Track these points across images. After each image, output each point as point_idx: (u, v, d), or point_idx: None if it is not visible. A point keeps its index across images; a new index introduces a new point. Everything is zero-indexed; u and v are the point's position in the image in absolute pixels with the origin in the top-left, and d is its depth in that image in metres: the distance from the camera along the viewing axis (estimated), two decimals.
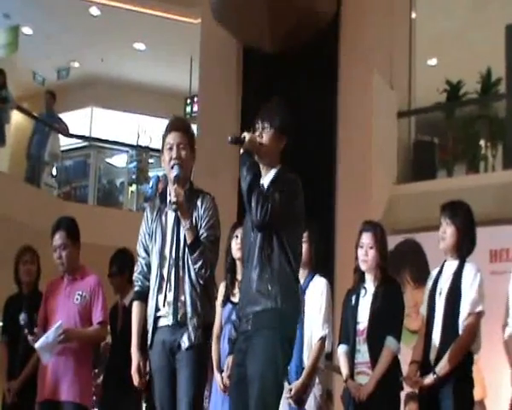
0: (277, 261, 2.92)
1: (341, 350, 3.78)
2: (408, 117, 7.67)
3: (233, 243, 4.09)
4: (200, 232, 3.12)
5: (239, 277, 4.03)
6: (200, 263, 3.08)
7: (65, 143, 10.17)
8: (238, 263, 4.07)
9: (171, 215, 3.19)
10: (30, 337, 4.06)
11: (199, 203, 3.17)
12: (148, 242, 3.23)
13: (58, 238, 4.17)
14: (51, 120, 9.86)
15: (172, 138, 3.22)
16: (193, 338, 3.07)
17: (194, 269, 3.09)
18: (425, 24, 7.98)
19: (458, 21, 8.56)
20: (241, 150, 2.99)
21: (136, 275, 3.28)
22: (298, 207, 3.00)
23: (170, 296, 3.12)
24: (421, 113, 7.90)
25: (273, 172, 3.04)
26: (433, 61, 9.31)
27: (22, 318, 4.15)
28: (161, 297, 3.14)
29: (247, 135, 2.99)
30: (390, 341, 3.63)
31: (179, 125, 3.30)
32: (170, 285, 3.13)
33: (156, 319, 3.16)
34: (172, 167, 3.16)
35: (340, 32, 6.90)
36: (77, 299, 4.11)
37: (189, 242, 3.10)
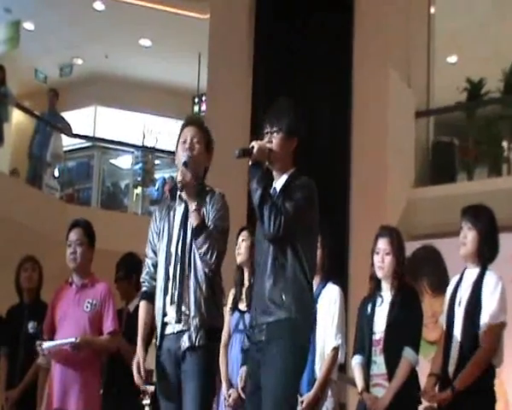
0: (291, 271, 2.95)
1: (356, 361, 3.77)
2: (426, 117, 7.66)
3: (236, 249, 4.12)
4: (209, 224, 3.14)
5: (245, 283, 4.08)
6: (204, 247, 3.08)
7: (68, 143, 10.20)
8: (244, 269, 4.10)
9: (179, 211, 3.21)
10: (39, 345, 4.06)
11: (208, 199, 3.20)
12: (156, 241, 3.26)
13: (74, 234, 4.19)
14: (53, 120, 9.90)
15: (187, 132, 3.26)
16: (193, 339, 3.07)
17: (199, 254, 3.09)
18: (444, 19, 7.97)
19: (480, 16, 8.54)
20: (250, 162, 3.00)
21: (143, 276, 3.31)
22: (312, 215, 3.02)
23: (175, 295, 3.14)
24: (440, 113, 7.88)
25: (286, 176, 3.06)
26: (452, 59, 9.30)
27: (31, 326, 4.15)
28: (168, 298, 3.15)
29: (255, 144, 3.01)
30: (408, 352, 3.61)
31: (195, 120, 3.37)
32: (175, 284, 3.14)
33: (163, 325, 3.17)
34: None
35: (354, 28, 6.89)
36: (87, 307, 4.10)
37: (194, 224, 3.11)
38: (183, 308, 3.10)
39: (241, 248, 4.11)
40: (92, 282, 4.19)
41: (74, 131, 10.31)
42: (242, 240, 4.12)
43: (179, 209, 3.21)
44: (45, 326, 4.24)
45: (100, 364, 4.21)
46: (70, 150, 10.32)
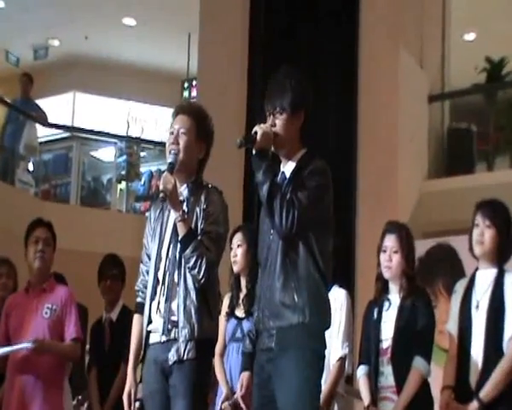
0: (304, 267, 2.91)
1: (362, 372, 3.77)
2: (441, 101, 7.68)
3: (231, 255, 4.13)
4: (201, 227, 3.15)
5: (243, 289, 4.10)
6: (192, 262, 3.08)
7: (43, 133, 10.21)
8: (241, 275, 4.13)
9: (173, 212, 3.21)
10: None
11: (203, 197, 3.20)
12: (150, 244, 3.28)
13: (44, 232, 4.26)
14: (27, 107, 9.90)
15: (175, 123, 3.27)
16: (181, 352, 3.07)
17: (188, 268, 3.10)
18: None
19: None
20: (253, 151, 2.96)
21: (137, 284, 3.33)
22: (327, 204, 2.98)
23: (162, 302, 3.15)
24: (456, 96, 7.91)
25: (296, 159, 3.02)
26: (470, 36, 9.32)
27: None
28: (155, 304, 3.18)
29: (258, 129, 2.95)
30: (418, 361, 3.61)
31: (185, 108, 3.34)
32: (164, 290, 3.16)
33: (148, 334, 3.19)
34: (170, 153, 3.22)
35: (360, 2, 6.89)
36: (46, 313, 4.14)
37: (180, 235, 3.12)
38: (172, 317, 3.11)
39: (237, 256, 4.10)
40: (51, 286, 4.24)
41: (50, 121, 10.32)
42: (238, 245, 4.11)
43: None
44: None
45: (63, 375, 4.23)
46: (46, 142, 10.31)
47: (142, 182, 10.28)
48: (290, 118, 3.00)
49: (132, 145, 10.32)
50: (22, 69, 10.90)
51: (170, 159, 3.20)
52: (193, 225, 3.16)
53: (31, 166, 10.01)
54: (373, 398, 3.69)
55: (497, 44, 8.41)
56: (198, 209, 3.18)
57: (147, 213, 3.43)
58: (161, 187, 3.12)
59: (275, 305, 2.92)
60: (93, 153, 10.78)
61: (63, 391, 4.23)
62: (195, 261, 3.08)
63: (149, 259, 3.27)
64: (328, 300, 3.04)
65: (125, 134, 10.91)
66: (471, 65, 8.05)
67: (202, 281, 3.09)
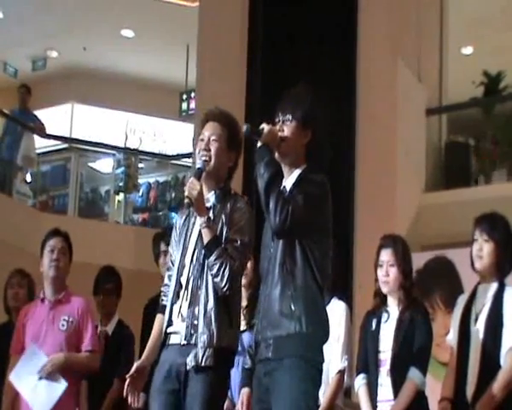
0: (301, 277, 2.92)
1: (362, 381, 3.77)
2: (439, 114, 7.70)
3: None
4: (225, 235, 3.14)
5: (244, 302, 4.08)
6: (215, 269, 3.08)
7: (41, 144, 10.21)
8: (242, 289, 4.12)
9: (199, 218, 3.20)
10: None
11: (229, 205, 3.20)
12: (175, 250, 3.29)
13: (58, 241, 4.25)
14: (25, 119, 9.90)
15: (206, 129, 3.27)
16: (200, 358, 3.04)
17: (211, 275, 3.10)
18: (459, 5, 8.02)
19: (498, 2, 8.58)
20: (259, 144, 2.99)
21: (162, 288, 3.32)
22: (325, 214, 2.99)
23: (185, 306, 3.15)
24: (454, 110, 7.93)
25: (297, 172, 3.03)
26: (468, 49, 9.35)
27: None
28: (176, 307, 3.17)
29: (265, 126, 2.99)
30: (414, 372, 3.61)
31: (216, 115, 3.33)
32: (187, 294, 3.15)
33: (167, 335, 3.17)
34: (200, 159, 3.22)
35: (358, 15, 6.93)
36: (63, 325, 4.13)
37: (204, 241, 3.11)
38: (194, 322, 3.09)
39: (248, 269, 4.05)
40: (67, 297, 4.23)
41: (48, 132, 10.32)
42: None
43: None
44: (13, 348, 4.23)
45: (77, 394, 4.24)
46: (44, 153, 10.32)
47: (140, 193, 10.29)
48: (298, 128, 3.03)
49: (130, 157, 10.33)
50: (20, 80, 10.91)
51: (198, 164, 3.20)
52: (218, 233, 3.15)
53: (28, 178, 10.01)
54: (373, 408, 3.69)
55: (495, 58, 8.45)
56: (224, 217, 3.17)
57: (175, 220, 3.41)
58: (186, 193, 3.13)
59: (273, 314, 2.93)
60: (91, 164, 10.79)
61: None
62: (218, 269, 3.08)
63: (173, 265, 3.26)
64: (326, 311, 3.04)
65: (123, 145, 10.92)
66: (469, 79, 8.08)
67: (225, 289, 3.08)
